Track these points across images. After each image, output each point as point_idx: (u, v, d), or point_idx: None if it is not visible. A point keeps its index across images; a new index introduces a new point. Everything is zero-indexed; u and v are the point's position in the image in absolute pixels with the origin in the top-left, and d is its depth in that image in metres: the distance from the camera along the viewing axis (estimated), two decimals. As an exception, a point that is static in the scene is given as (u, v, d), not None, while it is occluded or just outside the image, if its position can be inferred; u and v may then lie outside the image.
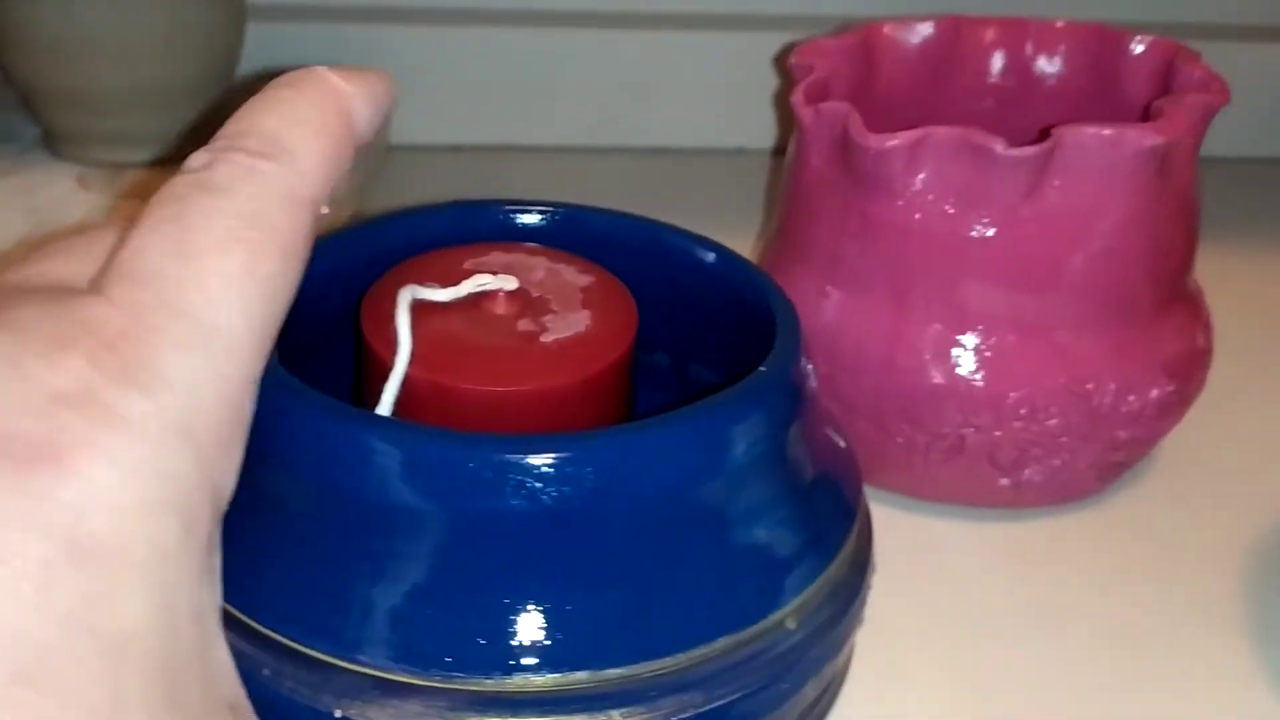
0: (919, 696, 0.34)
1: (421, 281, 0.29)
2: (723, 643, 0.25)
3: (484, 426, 0.27)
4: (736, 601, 0.25)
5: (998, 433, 0.37)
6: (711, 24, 0.67)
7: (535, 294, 0.30)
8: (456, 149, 0.69)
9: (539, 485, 0.23)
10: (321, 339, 0.31)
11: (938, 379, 0.37)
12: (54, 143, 0.59)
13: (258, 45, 0.60)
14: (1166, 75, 0.42)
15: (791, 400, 0.27)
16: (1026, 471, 0.39)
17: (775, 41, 0.66)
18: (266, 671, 0.24)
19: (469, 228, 0.33)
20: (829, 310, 0.39)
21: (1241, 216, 0.60)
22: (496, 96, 0.68)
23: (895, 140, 0.35)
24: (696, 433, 0.25)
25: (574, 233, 0.33)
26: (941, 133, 0.35)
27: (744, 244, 0.34)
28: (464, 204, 0.34)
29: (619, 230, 0.33)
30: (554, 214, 0.34)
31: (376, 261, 0.31)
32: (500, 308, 0.30)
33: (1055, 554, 0.40)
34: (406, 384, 0.27)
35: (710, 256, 0.32)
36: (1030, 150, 0.35)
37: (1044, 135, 0.35)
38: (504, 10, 0.66)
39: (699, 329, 0.34)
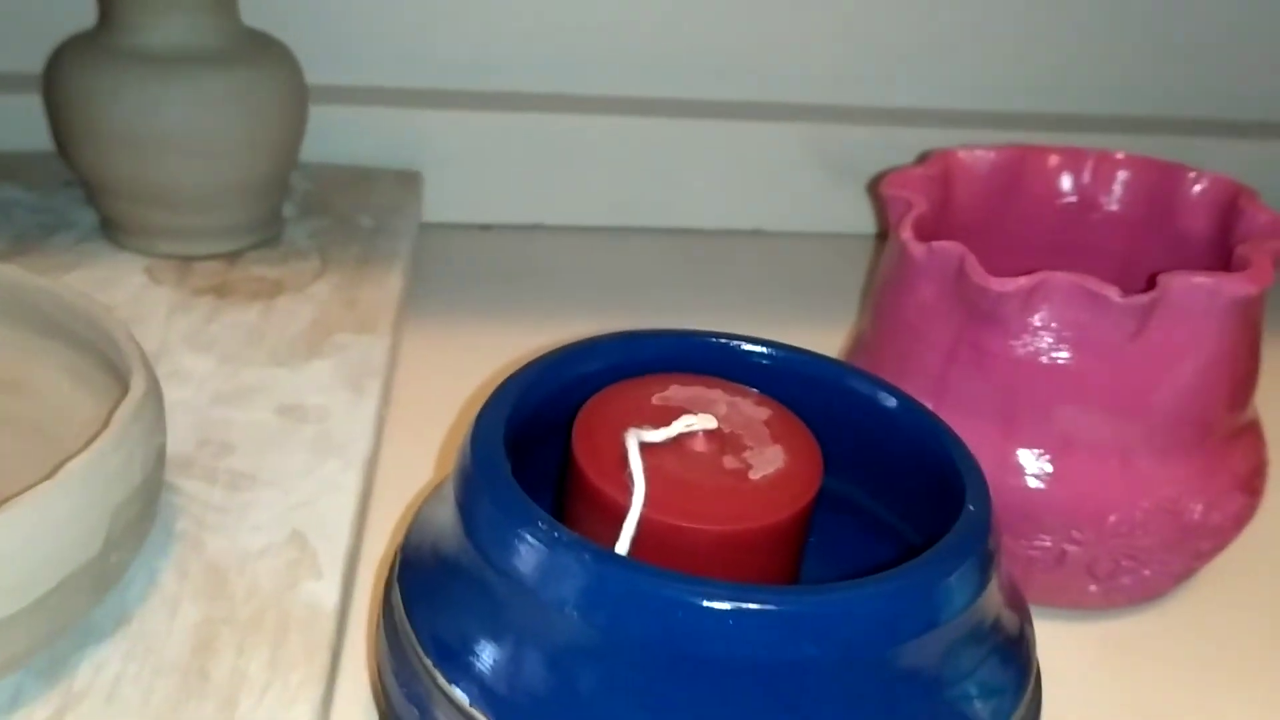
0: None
1: (632, 422, 0.31)
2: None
3: (715, 562, 0.29)
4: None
5: (1097, 548, 0.41)
6: (728, 112, 0.71)
7: (727, 429, 0.33)
8: (486, 227, 0.72)
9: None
10: (524, 448, 0.33)
11: (1042, 499, 0.40)
12: (115, 233, 0.59)
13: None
14: (1226, 212, 0.46)
15: (992, 550, 0.30)
16: (1120, 580, 0.42)
17: (789, 130, 0.71)
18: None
19: (638, 358, 0.36)
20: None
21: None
22: (524, 178, 0.71)
23: (1014, 284, 0.39)
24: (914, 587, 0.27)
25: (739, 364, 0.36)
26: (1058, 278, 0.38)
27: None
28: (632, 335, 0.36)
29: (785, 364, 0.36)
30: (724, 346, 0.36)
31: (567, 390, 0.34)
32: (700, 445, 0.32)
33: (1142, 650, 0.43)
34: (639, 522, 0.30)
35: (891, 401, 0.34)
36: (1141, 298, 0.38)
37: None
38: (533, 95, 0.70)
39: (864, 463, 0.36)
